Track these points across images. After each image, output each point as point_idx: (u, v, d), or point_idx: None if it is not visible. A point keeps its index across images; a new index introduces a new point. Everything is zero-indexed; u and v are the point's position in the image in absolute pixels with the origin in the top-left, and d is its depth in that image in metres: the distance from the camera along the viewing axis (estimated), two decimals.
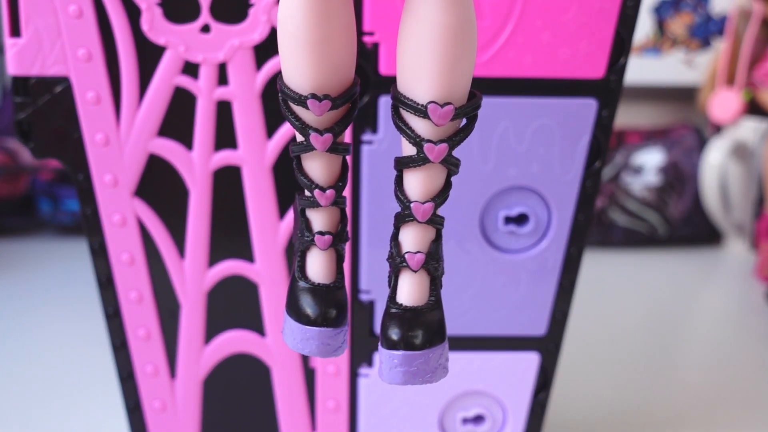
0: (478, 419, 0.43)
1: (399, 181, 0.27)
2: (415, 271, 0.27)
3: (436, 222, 0.27)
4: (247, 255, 0.39)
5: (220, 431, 0.42)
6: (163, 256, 0.39)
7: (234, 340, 0.40)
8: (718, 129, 0.94)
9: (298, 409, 0.42)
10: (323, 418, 0.42)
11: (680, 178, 0.94)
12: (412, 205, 0.26)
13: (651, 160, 0.95)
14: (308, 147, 0.26)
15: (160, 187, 0.38)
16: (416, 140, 0.26)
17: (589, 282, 0.80)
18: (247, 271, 0.39)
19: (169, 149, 0.37)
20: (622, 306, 0.79)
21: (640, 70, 1.00)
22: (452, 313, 0.40)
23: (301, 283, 0.28)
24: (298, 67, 0.25)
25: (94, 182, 0.37)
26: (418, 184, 0.26)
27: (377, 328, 0.40)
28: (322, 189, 0.27)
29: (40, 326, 0.69)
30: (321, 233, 0.27)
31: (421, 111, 0.25)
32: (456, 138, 0.26)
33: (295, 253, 0.28)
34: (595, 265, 0.88)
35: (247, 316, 0.40)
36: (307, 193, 0.28)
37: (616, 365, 0.65)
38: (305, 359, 0.41)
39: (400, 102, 0.26)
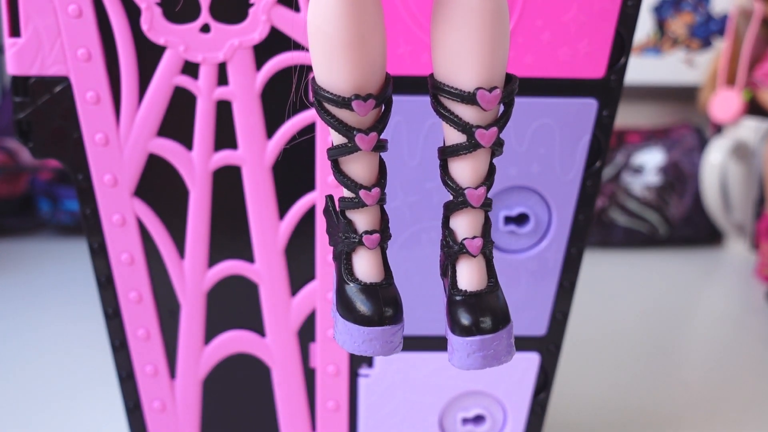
0: (478, 419, 0.43)
1: (445, 170, 0.27)
2: (475, 256, 0.27)
3: (487, 205, 0.27)
4: (247, 255, 0.39)
5: (220, 431, 0.42)
6: (162, 256, 0.39)
7: (234, 340, 0.40)
8: (718, 129, 0.94)
9: (298, 409, 0.42)
10: (323, 418, 0.42)
11: (680, 178, 0.94)
12: (466, 191, 0.27)
13: (651, 160, 0.95)
14: (353, 148, 0.26)
15: (159, 187, 0.38)
16: (466, 127, 0.26)
17: (589, 282, 0.80)
18: (247, 271, 0.39)
19: (169, 149, 0.37)
20: (622, 306, 0.79)
21: (640, 70, 1.00)
22: None
23: (353, 285, 0.28)
24: (338, 69, 0.25)
25: (94, 182, 0.37)
26: (469, 170, 0.26)
27: None
28: (368, 189, 0.27)
29: (40, 326, 0.69)
30: (368, 232, 0.27)
31: (470, 98, 0.25)
32: (503, 120, 0.26)
33: (339, 256, 0.28)
34: (595, 265, 0.88)
35: (247, 316, 0.40)
36: (348, 194, 0.27)
37: (616, 365, 0.65)
38: (305, 359, 0.41)
39: (442, 91, 0.26)
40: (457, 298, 0.27)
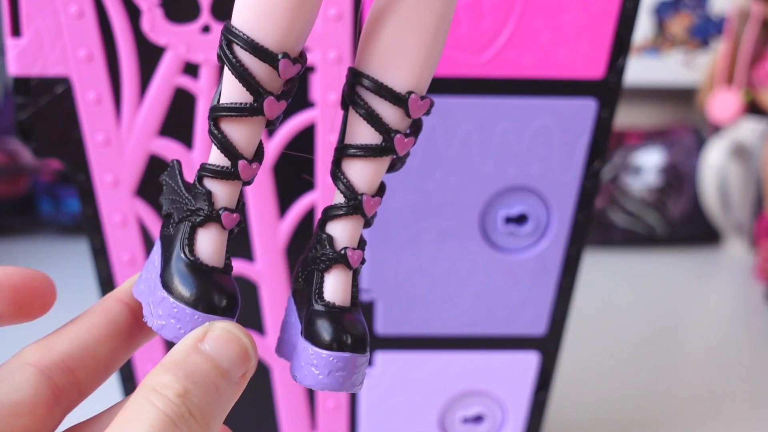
0: (478, 419, 0.43)
1: (339, 166, 0.24)
2: (352, 269, 0.24)
3: (373, 219, 0.25)
4: (247, 255, 0.39)
5: None
6: None
7: None
8: (716, 129, 0.94)
9: (299, 408, 0.42)
10: (323, 418, 0.42)
11: (679, 179, 0.94)
12: (363, 198, 0.24)
13: (650, 160, 0.95)
14: (256, 111, 0.22)
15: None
16: (385, 129, 0.23)
17: (589, 282, 0.80)
18: (247, 270, 0.39)
19: (170, 149, 0.37)
20: (621, 306, 0.79)
21: (639, 71, 1.01)
22: (452, 313, 0.40)
23: (191, 262, 0.24)
24: (276, 19, 0.22)
25: (95, 182, 0.37)
26: (371, 175, 0.24)
27: (377, 328, 0.40)
28: (249, 161, 0.23)
29: (40, 326, 0.69)
30: (229, 210, 0.24)
31: (401, 100, 0.22)
32: (418, 132, 0.24)
33: (176, 226, 0.25)
34: (595, 265, 0.88)
35: (247, 316, 0.40)
36: (219, 161, 0.23)
37: (615, 365, 0.65)
38: None
39: (370, 85, 0.23)
40: (321, 308, 0.24)
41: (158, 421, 0.19)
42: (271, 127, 0.24)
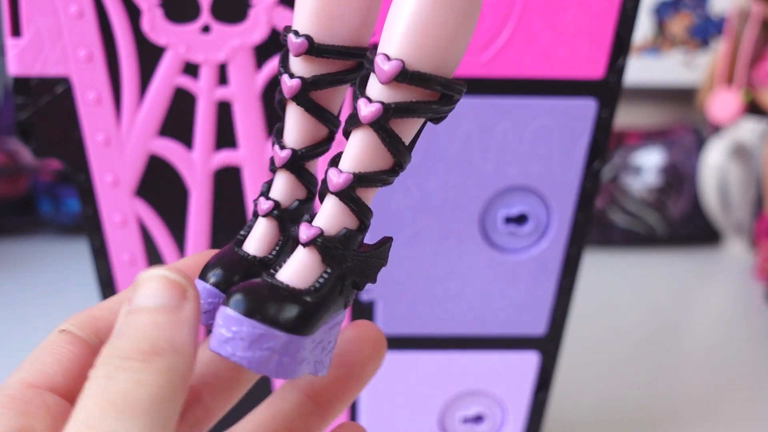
0: (478, 419, 0.43)
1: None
2: (303, 246, 0.21)
3: (350, 200, 0.22)
4: None
5: (220, 430, 0.42)
6: (163, 256, 0.39)
7: None
8: (716, 129, 0.94)
9: None
10: None
11: (679, 179, 0.94)
12: (328, 170, 0.22)
13: (650, 160, 0.95)
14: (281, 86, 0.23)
15: (161, 187, 0.38)
16: (356, 93, 0.21)
17: (589, 282, 0.80)
18: None
19: (170, 149, 0.37)
20: (621, 306, 0.79)
21: (639, 71, 1.01)
22: (452, 313, 0.40)
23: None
24: (300, 9, 0.22)
25: (95, 182, 0.37)
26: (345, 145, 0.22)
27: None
28: (282, 147, 0.23)
29: (40, 326, 0.69)
30: (266, 197, 0.24)
31: (370, 59, 0.21)
32: (396, 107, 0.20)
33: None
34: (595, 265, 0.88)
35: None
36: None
37: (615, 365, 0.65)
38: None
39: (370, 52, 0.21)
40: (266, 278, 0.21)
41: (94, 388, 0.17)
42: (310, 108, 0.23)
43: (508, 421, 0.43)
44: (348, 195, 0.21)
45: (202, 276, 0.23)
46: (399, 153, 0.21)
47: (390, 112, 0.20)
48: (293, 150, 0.24)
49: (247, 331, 0.20)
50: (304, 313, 0.21)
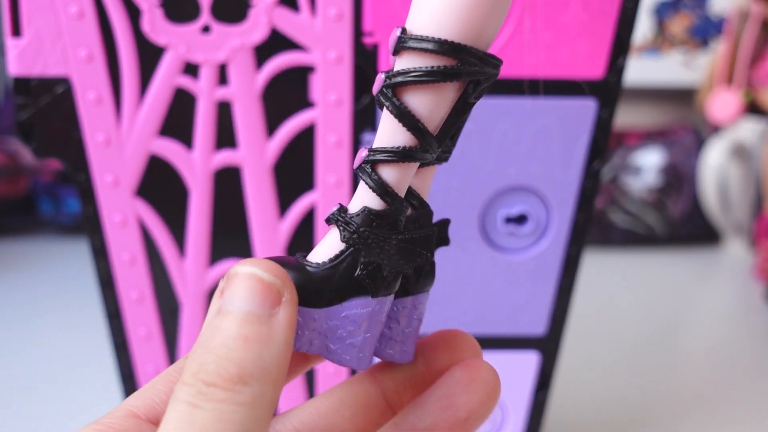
0: None
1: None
2: (327, 223, 0.22)
3: (372, 183, 0.21)
4: (247, 255, 0.39)
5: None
6: (163, 255, 0.39)
7: None
8: (716, 129, 0.94)
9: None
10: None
11: (679, 179, 0.94)
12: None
13: (650, 160, 0.95)
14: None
15: (161, 187, 0.38)
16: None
17: (589, 282, 0.80)
18: None
19: (170, 149, 0.37)
20: (621, 306, 0.79)
21: (639, 71, 1.01)
22: (452, 313, 0.40)
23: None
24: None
25: (95, 182, 0.37)
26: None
27: None
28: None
29: (41, 326, 0.69)
30: None
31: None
32: (396, 73, 0.20)
33: None
34: (595, 265, 0.88)
35: None
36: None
37: (615, 365, 0.65)
38: None
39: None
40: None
41: (176, 413, 0.17)
42: None
43: (508, 421, 0.43)
44: (364, 170, 0.21)
45: None
46: (415, 128, 0.20)
47: (390, 78, 0.20)
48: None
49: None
50: (301, 281, 0.20)
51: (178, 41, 0.35)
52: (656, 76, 1.02)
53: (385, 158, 0.21)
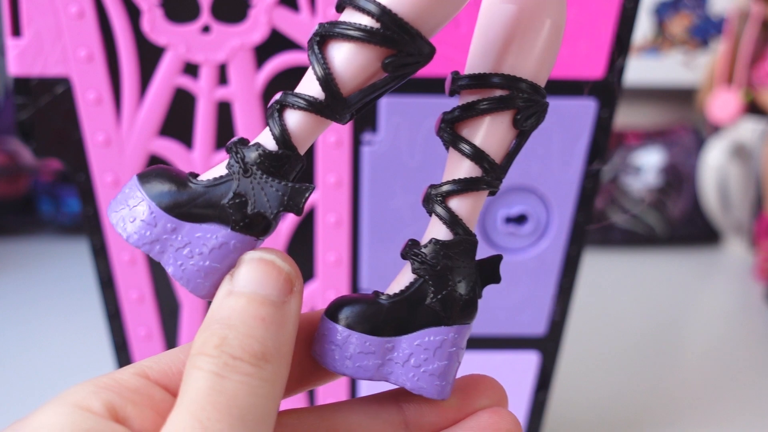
0: None
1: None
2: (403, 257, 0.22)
3: (442, 215, 0.22)
4: None
5: None
6: None
7: None
8: (716, 129, 0.94)
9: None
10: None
11: (679, 179, 0.94)
12: None
13: (650, 160, 0.95)
14: None
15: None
16: None
17: (589, 282, 0.80)
18: None
19: (170, 149, 0.37)
20: (621, 306, 0.79)
21: (639, 71, 1.01)
22: None
23: None
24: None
25: (95, 182, 0.37)
26: None
27: None
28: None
29: (41, 326, 0.69)
30: None
31: None
32: (453, 110, 0.22)
33: None
34: (595, 265, 0.88)
35: None
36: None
37: (615, 364, 0.65)
38: None
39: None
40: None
41: (203, 381, 0.17)
42: None
43: None
44: (433, 203, 0.22)
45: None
46: (475, 156, 0.21)
47: (446, 115, 0.21)
48: None
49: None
50: (363, 312, 0.21)
51: (178, 41, 0.35)
52: (656, 76, 1.02)
53: (459, 192, 0.22)
